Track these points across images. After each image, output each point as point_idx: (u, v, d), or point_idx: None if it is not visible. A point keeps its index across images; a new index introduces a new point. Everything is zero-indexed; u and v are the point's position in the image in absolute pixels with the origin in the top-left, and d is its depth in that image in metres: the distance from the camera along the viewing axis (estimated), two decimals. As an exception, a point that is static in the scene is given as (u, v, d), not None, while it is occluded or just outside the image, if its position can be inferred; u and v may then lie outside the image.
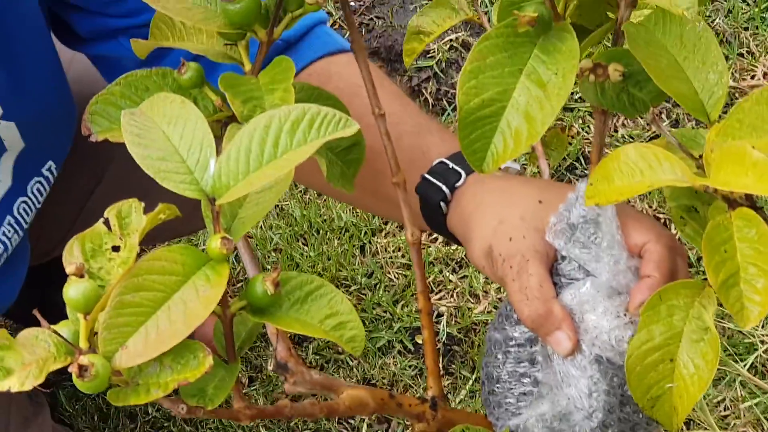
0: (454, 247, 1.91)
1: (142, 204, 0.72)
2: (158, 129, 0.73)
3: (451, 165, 1.00)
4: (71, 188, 1.24)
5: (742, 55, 2.16)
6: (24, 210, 1.18)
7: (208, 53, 0.86)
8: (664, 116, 2.08)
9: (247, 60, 0.85)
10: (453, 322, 1.85)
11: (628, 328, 0.83)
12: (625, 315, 0.84)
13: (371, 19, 2.45)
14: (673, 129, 1.90)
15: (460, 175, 0.99)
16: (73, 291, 0.66)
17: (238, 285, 1.92)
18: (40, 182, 1.19)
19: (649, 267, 0.86)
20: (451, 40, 2.30)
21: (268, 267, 1.95)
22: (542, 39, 0.76)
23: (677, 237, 1.01)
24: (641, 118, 2.06)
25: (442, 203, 0.99)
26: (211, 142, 0.72)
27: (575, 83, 0.78)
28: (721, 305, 0.72)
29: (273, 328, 0.78)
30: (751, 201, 0.74)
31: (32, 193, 1.18)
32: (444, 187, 0.98)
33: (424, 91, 2.25)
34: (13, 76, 1.09)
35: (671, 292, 0.74)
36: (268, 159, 0.70)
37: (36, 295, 1.35)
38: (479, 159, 0.76)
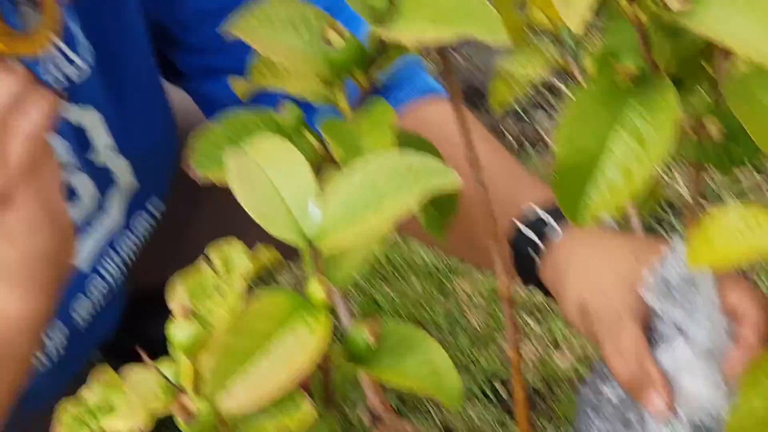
0: (536, 293, 1.90)
1: (244, 246, 0.74)
2: (262, 172, 0.74)
3: (544, 215, 1.00)
4: (170, 220, 1.27)
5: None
6: (129, 247, 1.20)
7: (308, 96, 0.88)
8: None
9: (345, 102, 0.87)
10: (533, 370, 1.84)
11: (726, 393, 0.83)
12: (722, 380, 0.83)
13: (454, 57, 2.46)
14: None
15: (554, 228, 0.99)
16: (181, 334, 0.68)
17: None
18: (145, 218, 1.21)
19: (745, 330, 0.85)
20: (534, 81, 2.31)
21: (351, 301, 1.96)
22: (640, 91, 0.77)
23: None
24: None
25: (534, 254, 0.99)
26: (314, 189, 0.73)
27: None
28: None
29: (366, 376, 0.79)
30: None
31: (138, 229, 1.21)
32: (537, 239, 0.99)
33: (505, 131, 2.26)
34: (124, 115, 1.12)
35: (772, 361, 0.73)
36: (369, 206, 0.71)
37: (125, 324, 1.37)
38: (574, 210, 0.76)
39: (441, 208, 0.93)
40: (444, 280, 1.99)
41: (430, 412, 1.81)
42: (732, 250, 0.69)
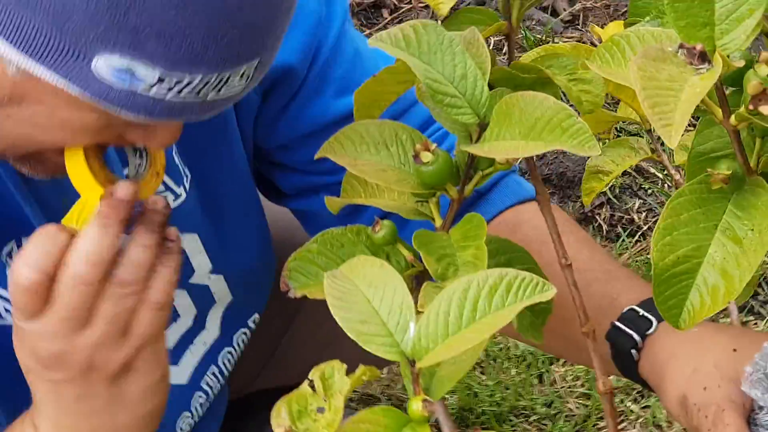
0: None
1: (344, 366, 0.75)
2: (359, 292, 0.76)
3: (642, 312, 1.00)
4: (265, 330, 1.29)
5: None
6: (228, 360, 1.22)
7: (400, 210, 0.89)
8: None
9: (438, 216, 0.87)
10: (636, 454, 1.81)
11: None
12: None
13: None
14: None
15: (651, 322, 0.99)
16: (285, 456, 0.69)
17: None
18: (245, 333, 1.23)
19: None
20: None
21: (447, 397, 1.95)
22: (736, 194, 0.77)
23: None
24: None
25: (633, 351, 0.99)
26: (411, 306, 0.74)
27: None
28: None
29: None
30: None
31: (237, 343, 1.22)
32: (635, 335, 0.99)
33: (597, 217, 2.25)
34: (222, 232, 1.14)
35: None
36: (466, 323, 0.71)
37: (226, 428, 1.38)
38: (675, 315, 0.76)
39: (536, 312, 0.93)
40: (541, 367, 1.98)
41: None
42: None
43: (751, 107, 0.68)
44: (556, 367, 1.98)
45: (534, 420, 1.89)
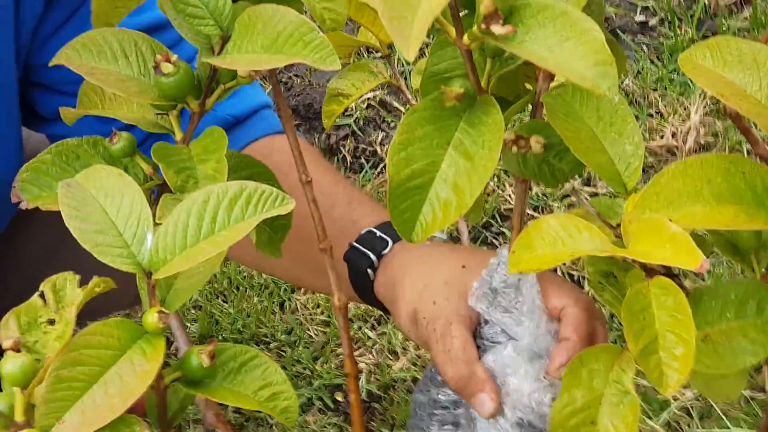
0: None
1: (78, 277, 0.73)
2: (95, 202, 0.74)
3: (378, 233, 1.02)
4: (20, 264, 1.23)
5: (651, 115, 2.23)
6: None
7: (139, 123, 0.88)
8: (576, 177, 2.13)
9: (179, 129, 0.86)
10: (372, 379, 1.86)
11: (548, 390, 0.86)
12: (545, 378, 0.87)
13: (290, 77, 2.47)
14: (590, 198, 1.95)
15: (387, 243, 1.01)
16: (10, 365, 0.67)
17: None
18: None
19: (567, 330, 0.89)
20: (368, 98, 2.33)
21: (188, 325, 1.95)
22: (468, 112, 0.79)
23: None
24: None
25: (369, 270, 1.01)
26: (148, 217, 0.73)
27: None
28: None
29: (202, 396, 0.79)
30: (667, 269, 0.77)
31: None
32: (371, 255, 1.01)
33: (342, 148, 2.28)
34: None
35: (591, 357, 0.77)
36: (205, 235, 0.71)
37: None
38: (409, 229, 0.78)
39: (275, 228, 0.94)
40: (283, 295, 2.00)
41: (270, 423, 1.81)
42: (553, 255, 0.72)
43: (483, 26, 0.70)
44: (298, 296, 2.00)
45: (274, 346, 1.92)
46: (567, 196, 2.09)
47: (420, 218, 0.78)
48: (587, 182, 2.11)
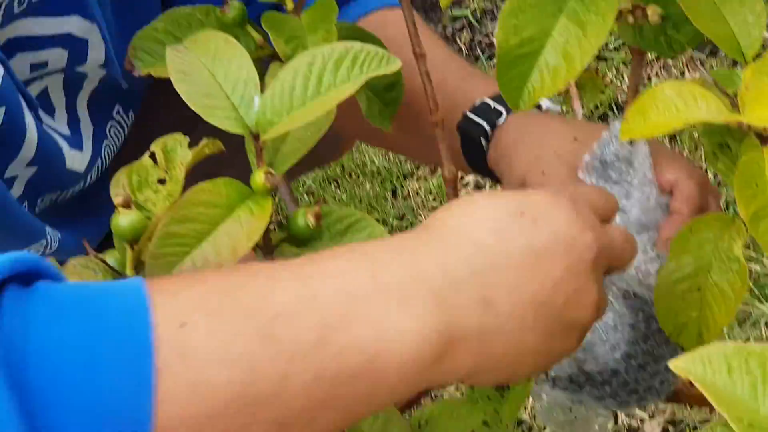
0: (486, 188, 1.92)
1: (187, 138, 0.74)
2: (203, 66, 0.75)
3: (493, 104, 1.01)
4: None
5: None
6: (107, 154, 1.18)
7: (251, -7, 0.88)
8: (698, 64, 2.07)
9: (290, 0, 0.87)
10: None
11: (655, 262, 0.85)
12: (653, 250, 0.86)
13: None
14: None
15: (501, 113, 1.00)
16: (122, 220, 0.68)
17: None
18: (114, 126, 1.19)
19: (679, 204, 0.87)
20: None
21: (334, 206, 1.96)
22: (582, -20, 0.77)
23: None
24: (675, 68, 2.06)
25: (482, 140, 1.00)
26: (255, 79, 0.73)
27: (614, 25, 0.79)
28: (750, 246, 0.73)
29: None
30: (783, 139, 0.75)
31: (110, 137, 1.18)
32: (485, 124, 1.00)
33: (458, 40, 2.26)
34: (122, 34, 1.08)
35: (702, 225, 0.76)
36: (311, 96, 0.71)
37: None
38: (516, 96, 0.77)
39: (386, 101, 0.94)
40: (395, 182, 2.00)
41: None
42: (665, 121, 0.71)
43: None
44: (410, 182, 2.00)
45: (387, 232, 1.93)
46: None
47: (528, 85, 0.77)
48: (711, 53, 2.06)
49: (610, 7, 0.76)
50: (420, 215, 1.94)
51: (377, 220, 1.99)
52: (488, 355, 0.63)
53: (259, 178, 0.70)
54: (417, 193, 1.98)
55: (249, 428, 0.57)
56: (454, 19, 2.29)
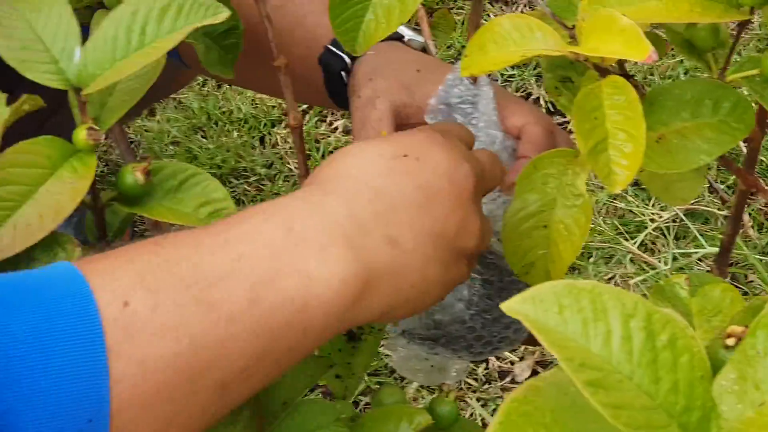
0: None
1: (5, 95, 0.70)
2: (21, 17, 0.71)
3: None
4: None
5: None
6: None
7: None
8: None
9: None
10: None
11: (502, 208, 0.84)
12: (499, 196, 0.85)
13: None
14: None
15: None
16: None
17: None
18: None
19: (525, 148, 0.87)
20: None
21: (165, 160, 1.92)
22: None
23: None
24: (513, 2, 2.06)
25: (342, 72, 0.99)
26: (76, 31, 0.70)
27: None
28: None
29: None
30: (622, 69, 0.74)
31: None
32: (346, 57, 0.99)
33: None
34: None
35: (546, 161, 0.75)
36: (135, 47, 0.68)
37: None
38: (351, 39, 0.75)
39: (225, 48, 0.91)
40: (263, 130, 1.97)
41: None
42: (504, 55, 0.70)
43: None
44: (279, 130, 1.98)
45: (254, 180, 1.90)
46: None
47: (362, 27, 0.75)
48: None
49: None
50: (288, 163, 1.92)
51: (245, 169, 1.96)
52: (399, 290, 0.67)
53: (81, 134, 0.67)
54: (285, 141, 1.95)
55: (194, 396, 0.58)
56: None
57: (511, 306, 0.51)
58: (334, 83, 1.02)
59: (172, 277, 0.59)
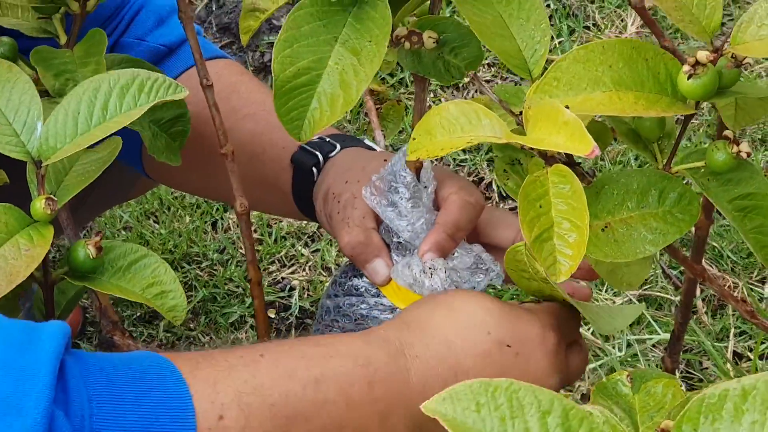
0: (306, 221, 1.92)
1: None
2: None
3: (328, 139, 1.03)
4: None
5: (588, 27, 2.22)
6: None
7: (23, 28, 0.86)
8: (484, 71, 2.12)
9: (63, 33, 0.85)
10: (305, 296, 1.86)
11: (426, 275, 0.88)
12: (424, 263, 0.88)
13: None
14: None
15: (335, 146, 1.02)
16: None
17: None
18: None
19: (441, 216, 0.90)
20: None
21: (119, 240, 1.92)
22: (356, 8, 0.77)
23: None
24: (464, 88, 2.11)
25: (314, 168, 1.01)
26: (39, 106, 0.72)
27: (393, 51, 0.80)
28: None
29: (98, 299, 0.78)
30: (568, 157, 0.76)
31: None
32: (319, 154, 1.02)
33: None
34: None
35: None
36: (96, 122, 0.70)
37: None
38: (297, 127, 0.77)
39: (172, 135, 0.92)
40: (215, 215, 1.98)
41: (201, 341, 1.81)
42: (450, 141, 0.72)
43: None
44: (231, 215, 1.99)
45: (206, 266, 1.90)
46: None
47: (308, 115, 0.76)
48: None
49: (383, 33, 0.76)
50: (241, 248, 1.92)
51: (198, 254, 1.96)
52: None
53: (39, 204, 0.69)
54: (238, 226, 1.96)
55: None
56: (270, 45, 2.29)
57: (429, 407, 0.52)
58: (302, 182, 1.04)
59: (263, 402, 0.69)
